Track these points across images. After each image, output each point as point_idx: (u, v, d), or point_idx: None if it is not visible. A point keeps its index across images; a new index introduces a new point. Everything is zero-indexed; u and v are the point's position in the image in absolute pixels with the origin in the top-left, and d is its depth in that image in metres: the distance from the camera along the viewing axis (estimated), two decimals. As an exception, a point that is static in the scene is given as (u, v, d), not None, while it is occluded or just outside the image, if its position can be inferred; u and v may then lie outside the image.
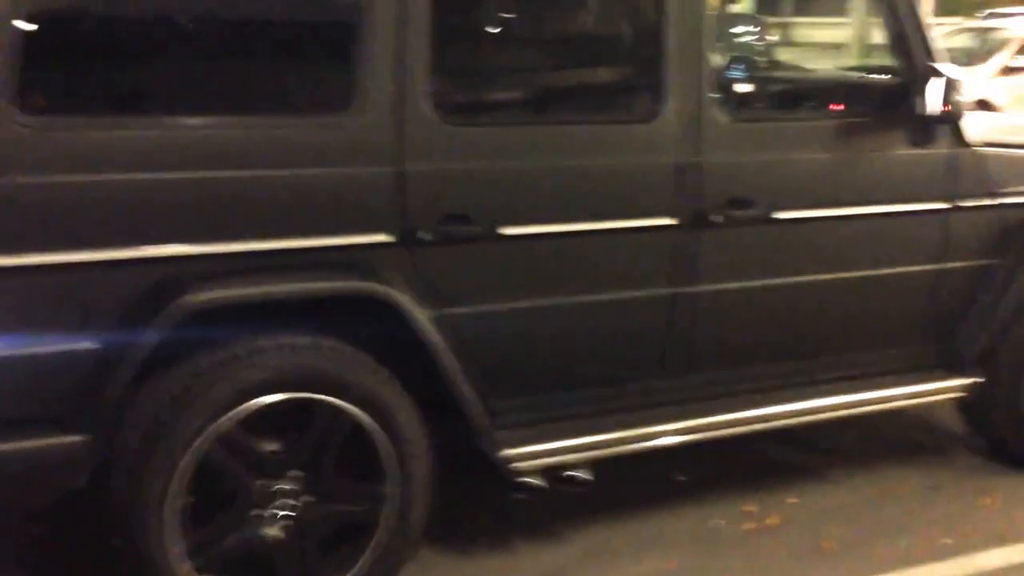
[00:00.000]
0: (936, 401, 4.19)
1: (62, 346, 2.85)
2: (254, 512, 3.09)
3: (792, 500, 4.09)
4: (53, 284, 2.83)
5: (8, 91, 2.72)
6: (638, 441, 3.59)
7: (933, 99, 3.77)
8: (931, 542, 3.82)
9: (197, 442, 2.94)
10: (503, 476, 3.39)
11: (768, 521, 3.93)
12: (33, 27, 2.76)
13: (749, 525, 3.91)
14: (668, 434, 3.63)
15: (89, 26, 3.01)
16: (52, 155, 2.81)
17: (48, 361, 2.85)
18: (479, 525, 3.85)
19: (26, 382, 2.84)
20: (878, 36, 3.94)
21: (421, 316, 3.18)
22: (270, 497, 3.11)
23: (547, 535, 3.79)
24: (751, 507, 4.02)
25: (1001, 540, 3.84)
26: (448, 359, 3.23)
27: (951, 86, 3.76)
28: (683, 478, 4.19)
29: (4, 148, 2.75)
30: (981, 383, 4.12)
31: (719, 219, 3.56)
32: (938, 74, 3.77)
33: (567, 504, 3.78)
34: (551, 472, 3.45)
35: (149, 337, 2.87)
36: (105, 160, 2.86)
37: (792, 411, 3.82)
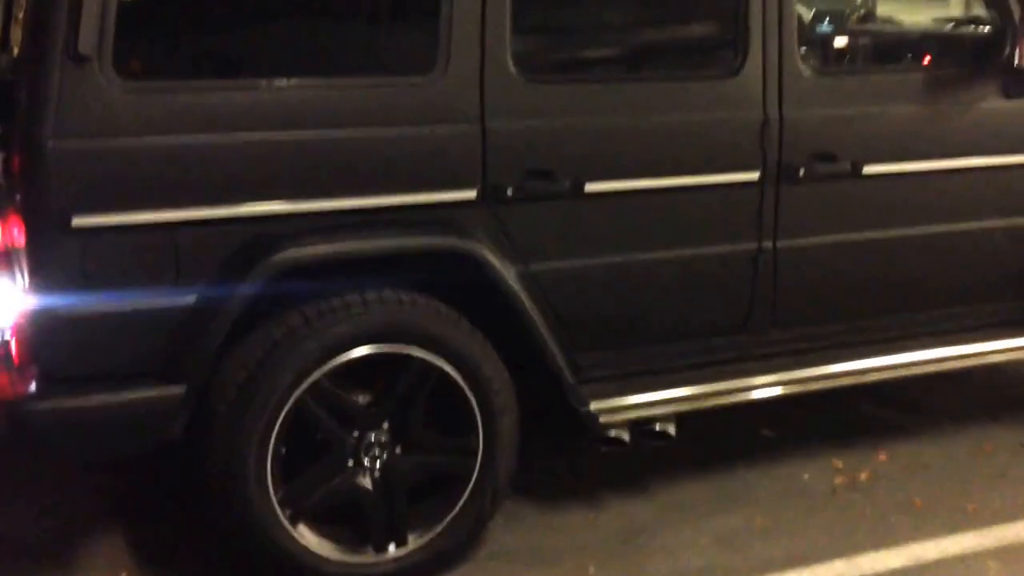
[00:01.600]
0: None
1: (161, 301, 2.96)
2: (346, 462, 3.19)
3: (882, 456, 4.08)
4: (153, 241, 2.93)
5: (107, 56, 2.82)
6: (725, 395, 3.60)
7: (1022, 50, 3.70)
8: (1022, 499, 3.77)
9: (292, 394, 3.04)
10: (589, 430, 3.44)
11: (859, 477, 3.93)
12: None
13: (839, 480, 3.91)
14: (755, 388, 3.65)
15: None
16: (149, 118, 2.90)
17: (148, 315, 2.96)
18: (564, 479, 3.91)
19: (127, 336, 2.95)
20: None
21: (506, 272, 3.23)
22: (362, 448, 3.20)
23: (632, 489, 3.84)
24: (840, 463, 4.01)
25: None
26: (533, 314, 3.28)
27: None
28: (771, 434, 4.21)
29: (104, 111, 2.85)
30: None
31: (803, 173, 3.54)
32: None
33: (653, 458, 3.83)
34: (637, 426, 3.49)
35: (243, 292, 2.97)
36: (199, 122, 2.95)
37: (882, 366, 3.80)
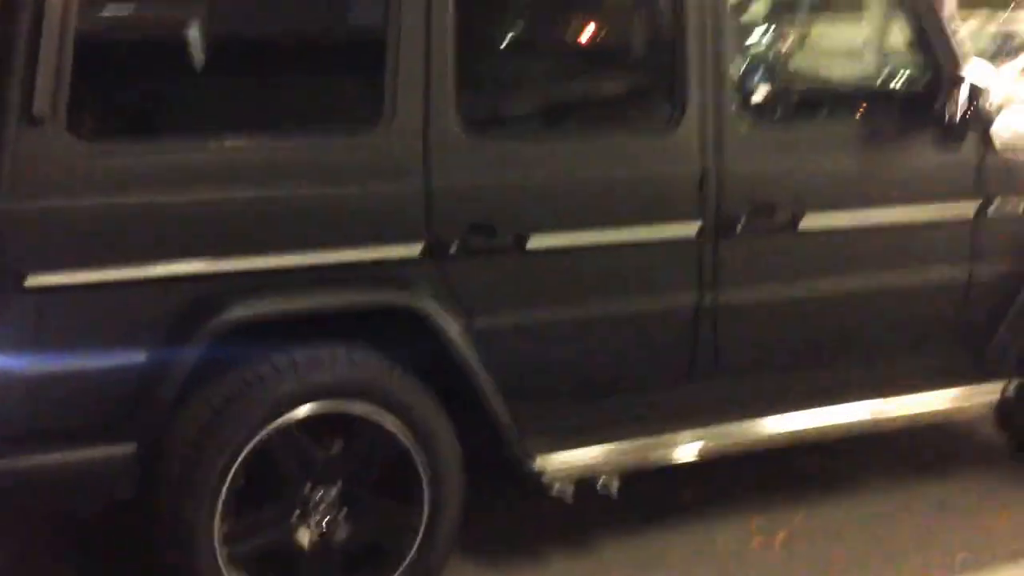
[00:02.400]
0: (969, 409, 4.12)
1: (113, 360, 2.95)
2: (292, 516, 3.16)
3: (801, 516, 4.01)
4: (104, 300, 2.92)
5: (60, 117, 2.83)
6: (666, 450, 3.60)
7: (959, 103, 3.78)
8: (946, 558, 3.75)
9: (241, 451, 3.02)
10: (533, 486, 3.41)
11: (776, 538, 3.87)
12: (80, 54, 2.84)
13: (755, 541, 3.85)
14: (696, 443, 3.64)
15: (126, 51, 3.11)
16: (101, 177, 2.90)
17: (100, 374, 2.94)
18: (496, 532, 3.85)
19: (79, 394, 2.93)
20: (903, 38, 3.92)
21: (450, 327, 3.22)
22: (307, 506, 3.17)
23: (533, 555, 3.75)
24: (759, 521, 3.95)
25: (1015, 556, 3.78)
26: (477, 369, 3.27)
27: (977, 90, 3.76)
28: (688, 496, 4.09)
29: (58, 171, 2.85)
30: (1016, 390, 4.09)
31: (741, 226, 3.57)
32: (962, 78, 3.77)
33: (565, 518, 3.77)
34: (580, 482, 3.48)
35: (192, 351, 2.95)
36: (150, 181, 2.95)
37: (823, 421, 3.81)
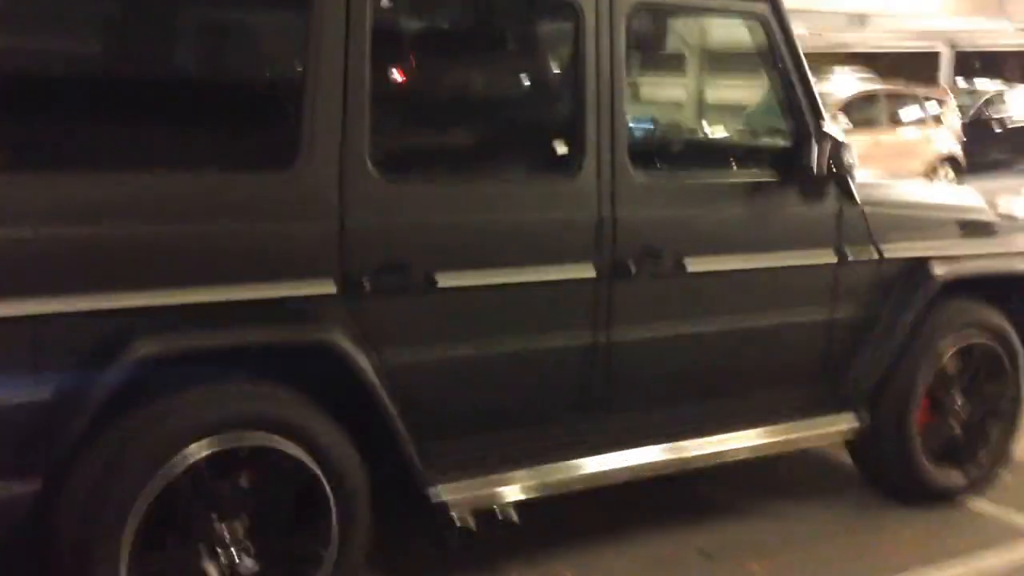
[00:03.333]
0: (827, 440, 4.48)
1: (19, 394, 2.91)
2: (199, 552, 3.17)
3: (702, 539, 4.27)
4: (11, 333, 2.89)
5: None
6: (562, 478, 3.77)
7: (820, 158, 4.12)
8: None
9: (143, 487, 3.03)
10: (438, 517, 3.53)
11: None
12: None
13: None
14: (589, 472, 3.83)
15: (31, 85, 3.11)
16: (9, 208, 2.89)
17: (4, 409, 2.90)
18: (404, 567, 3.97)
19: None
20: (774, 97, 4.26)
21: (362, 362, 3.32)
22: (215, 540, 3.19)
23: None
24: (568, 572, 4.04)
25: (898, 569, 4.10)
26: (387, 403, 3.37)
27: (838, 146, 4.10)
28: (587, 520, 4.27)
29: None
30: (867, 423, 4.43)
31: (634, 270, 3.80)
32: (825, 135, 4.11)
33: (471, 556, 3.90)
34: (481, 513, 3.61)
35: (101, 386, 2.96)
36: (62, 213, 2.96)
37: (707, 452, 4.08)
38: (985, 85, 20.33)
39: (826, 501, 4.71)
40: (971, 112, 18.39)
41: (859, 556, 4.23)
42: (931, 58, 22.19)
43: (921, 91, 16.54)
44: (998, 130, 18.93)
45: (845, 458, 4.83)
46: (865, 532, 4.44)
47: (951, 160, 15.87)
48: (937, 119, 16.03)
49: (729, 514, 4.52)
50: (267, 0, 3.53)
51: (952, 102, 16.89)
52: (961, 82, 21.06)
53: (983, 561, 4.24)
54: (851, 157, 4.13)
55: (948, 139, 15.99)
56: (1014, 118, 19.28)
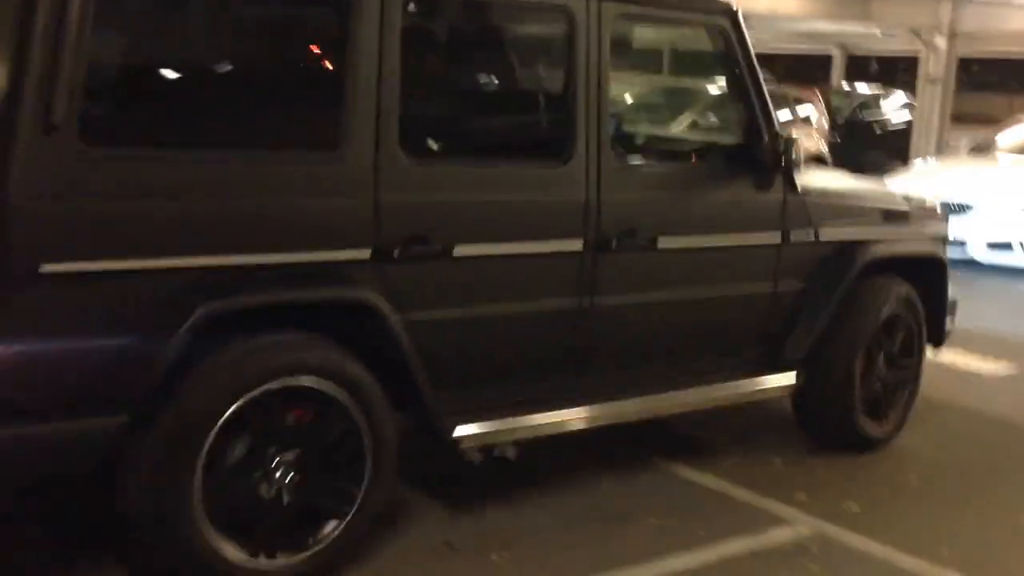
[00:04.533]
0: (773, 394, 5.12)
1: (114, 340, 3.37)
2: (259, 476, 3.66)
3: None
4: (108, 287, 3.35)
5: (72, 126, 3.26)
6: (552, 424, 4.36)
7: (770, 153, 4.77)
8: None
9: (221, 415, 3.52)
10: (452, 453, 4.09)
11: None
12: (91, 71, 3.30)
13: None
14: (575, 420, 4.43)
15: (141, 65, 3.60)
16: (109, 181, 3.35)
17: (102, 352, 3.35)
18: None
19: (83, 370, 3.33)
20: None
21: (392, 318, 3.83)
22: (270, 467, 3.68)
23: None
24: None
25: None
26: (412, 355, 3.89)
27: (788, 143, 4.75)
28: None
29: (70, 174, 3.28)
30: (804, 381, 5.11)
31: (615, 244, 4.38)
32: (775, 132, 4.76)
33: None
34: (487, 449, 4.19)
35: (181, 334, 3.40)
36: (150, 186, 3.43)
37: (670, 404, 4.74)
38: (863, 89, 21.36)
39: (576, 490, 4.77)
40: (846, 114, 19.19)
41: (604, 544, 4.29)
42: (825, 61, 23.11)
43: (792, 92, 17.12)
44: (878, 132, 19.99)
45: (596, 444, 5.01)
46: (612, 521, 4.49)
47: (817, 159, 16.59)
48: (807, 120, 16.68)
49: (474, 506, 4.54)
50: (316, 5, 4.03)
51: (822, 104, 17.54)
52: (846, 86, 22.06)
53: (727, 547, 4.31)
54: (798, 152, 4.78)
55: (815, 139, 16.62)
56: (892, 121, 20.39)
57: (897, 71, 22.93)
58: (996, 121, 15.39)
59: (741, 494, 4.86)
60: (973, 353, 7.37)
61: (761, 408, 5.69)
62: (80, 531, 4.11)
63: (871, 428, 5.38)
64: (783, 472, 5.15)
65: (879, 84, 22.10)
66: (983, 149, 12.72)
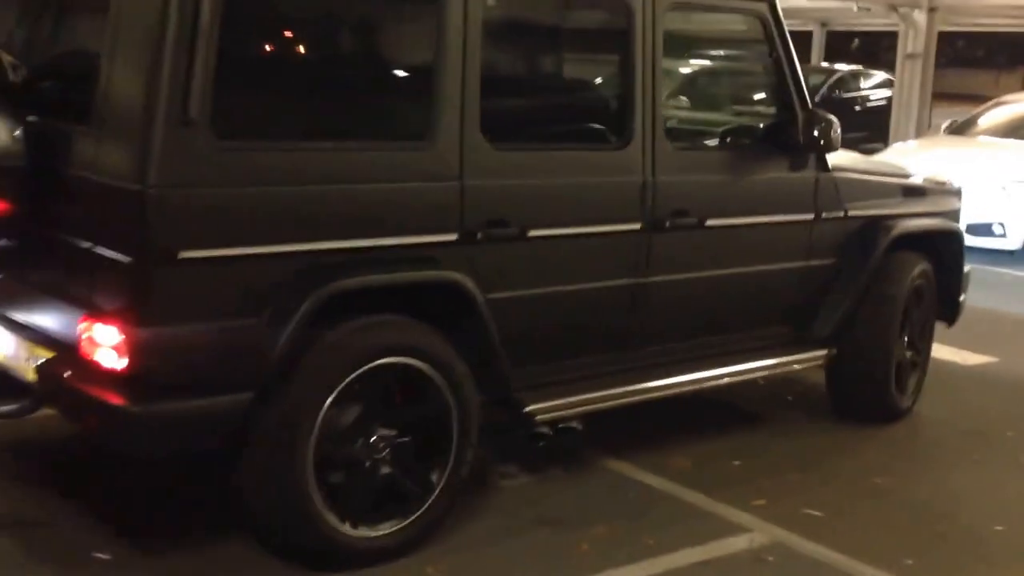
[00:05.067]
0: (808, 365, 5.40)
1: (240, 321, 3.60)
2: (360, 447, 3.90)
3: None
4: (235, 271, 3.59)
5: (206, 119, 3.49)
6: (615, 399, 4.62)
7: (805, 134, 5.04)
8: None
9: (334, 389, 3.76)
10: (525, 425, 4.35)
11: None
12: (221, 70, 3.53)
13: None
14: (635, 394, 4.70)
15: (263, 65, 3.89)
16: (235, 171, 3.59)
17: (229, 333, 3.59)
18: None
19: (211, 351, 3.57)
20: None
21: (479, 298, 4.07)
22: (372, 440, 3.92)
23: None
24: None
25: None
26: (494, 332, 4.14)
27: (828, 123, 5.02)
28: None
29: (203, 165, 3.51)
30: (835, 354, 5.41)
31: (668, 224, 4.66)
32: (812, 113, 5.05)
33: None
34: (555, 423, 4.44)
35: (298, 315, 3.63)
36: (273, 176, 3.66)
37: (716, 375, 5.01)
38: (841, 66, 21.58)
39: (518, 495, 4.62)
40: (821, 91, 19.26)
41: (546, 555, 4.11)
42: (807, 38, 23.25)
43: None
44: (857, 108, 20.24)
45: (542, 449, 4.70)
46: (557, 528, 4.31)
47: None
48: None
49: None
50: (410, 8, 4.28)
51: None
52: (825, 64, 22.24)
53: (677, 557, 4.10)
54: (836, 133, 5.06)
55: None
56: (871, 98, 20.67)
57: (880, 49, 22.98)
58: (984, 99, 15.56)
59: (696, 498, 4.63)
60: (950, 345, 6.96)
61: (720, 405, 5.73)
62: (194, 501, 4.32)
63: (899, 399, 5.67)
64: (742, 475, 4.92)
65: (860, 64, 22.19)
66: (961, 129, 12.85)
